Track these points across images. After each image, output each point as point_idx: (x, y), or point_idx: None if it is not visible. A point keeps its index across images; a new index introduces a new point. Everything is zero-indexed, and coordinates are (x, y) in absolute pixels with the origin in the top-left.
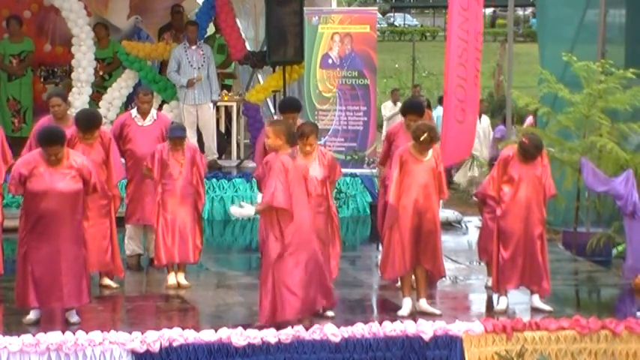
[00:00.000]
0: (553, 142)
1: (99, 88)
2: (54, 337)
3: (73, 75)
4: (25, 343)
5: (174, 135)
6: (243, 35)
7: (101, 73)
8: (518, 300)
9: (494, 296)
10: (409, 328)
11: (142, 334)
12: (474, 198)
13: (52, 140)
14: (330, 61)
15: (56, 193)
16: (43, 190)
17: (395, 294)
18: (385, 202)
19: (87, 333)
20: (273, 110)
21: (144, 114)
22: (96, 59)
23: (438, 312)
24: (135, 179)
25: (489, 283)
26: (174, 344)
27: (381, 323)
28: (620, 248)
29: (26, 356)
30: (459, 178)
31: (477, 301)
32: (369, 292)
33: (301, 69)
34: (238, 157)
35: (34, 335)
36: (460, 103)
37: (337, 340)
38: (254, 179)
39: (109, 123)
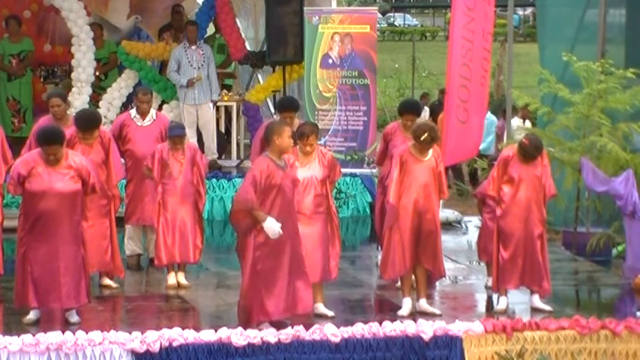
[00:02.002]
0: (553, 142)
1: (95, 88)
2: (54, 337)
3: (72, 75)
4: (25, 343)
5: (174, 134)
6: (243, 35)
7: (97, 73)
8: (518, 300)
9: (494, 296)
10: (409, 328)
11: (142, 334)
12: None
13: (50, 140)
14: (330, 61)
15: (55, 193)
16: (41, 190)
17: (395, 294)
18: (383, 202)
19: (87, 333)
20: (273, 110)
21: (143, 114)
22: None
23: (438, 312)
24: (134, 179)
25: (489, 283)
26: (174, 344)
27: (381, 323)
28: (620, 248)
29: (26, 356)
30: None
31: (477, 301)
32: (369, 292)
33: (301, 69)
34: (238, 157)
35: (34, 335)
36: (463, 103)
37: (337, 340)
38: None
39: (108, 123)
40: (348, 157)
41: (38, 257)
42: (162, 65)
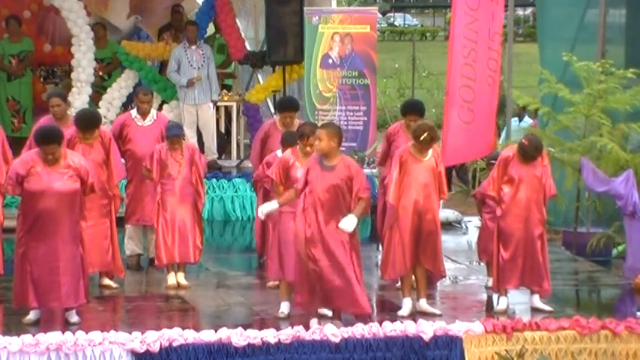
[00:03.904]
0: (553, 142)
1: (98, 88)
2: (54, 337)
3: (72, 75)
4: (25, 343)
5: (172, 134)
6: (243, 35)
7: (100, 73)
8: (518, 300)
9: (494, 296)
10: (409, 328)
11: (142, 334)
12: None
13: (48, 139)
14: (330, 61)
15: (53, 192)
16: (40, 190)
17: (395, 294)
18: (384, 203)
19: (87, 333)
20: (273, 110)
21: (144, 114)
22: (95, 59)
23: (438, 312)
24: (135, 179)
25: (489, 283)
26: (174, 344)
27: (381, 323)
28: (620, 248)
29: (26, 356)
30: None
31: (477, 301)
32: (369, 292)
33: (301, 69)
34: (238, 157)
35: (33, 335)
36: (467, 103)
37: (337, 340)
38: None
39: (108, 123)
40: None
41: (37, 257)
42: (162, 65)
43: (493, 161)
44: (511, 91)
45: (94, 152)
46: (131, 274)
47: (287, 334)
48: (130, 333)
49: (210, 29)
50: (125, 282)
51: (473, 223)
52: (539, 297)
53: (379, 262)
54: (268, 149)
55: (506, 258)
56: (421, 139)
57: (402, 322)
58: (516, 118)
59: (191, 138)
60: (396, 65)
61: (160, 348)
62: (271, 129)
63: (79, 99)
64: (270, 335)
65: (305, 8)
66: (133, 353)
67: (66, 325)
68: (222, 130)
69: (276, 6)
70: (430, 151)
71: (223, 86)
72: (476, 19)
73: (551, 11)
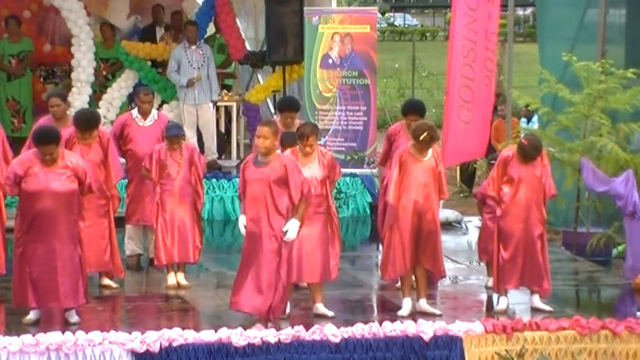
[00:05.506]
0: (553, 142)
1: (102, 88)
2: (54, 337)
3: (72, 75)
4: (25, 343)
5: (171, 134)
6: (243, 35)
7: (104, 73)
8: (518, 300)
9: (494, 296)
10: (409, 328)
11: (142, 334)
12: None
13: (46, 139)
14: (330, 61)
15: (51, 192)
16: (38, 190)
17: (395, 294)
18: (385, 203)
19: (87, 333)
20: (273, 110)
21: (145, 114)
22: (101, 59)
23: (438, 312)
24: (135, 179)
25: (489, 283)
26: (174, 344)
27: (381, 323)
28: (620, 248)
29: (26, 356)
30: None
31: (477, 301)
32: (369, 292)
33: (301, 69)
34: (238, 157)
35: (33, 335)
36: (466, 103)
37: (337, 340)
38: None
39: (108, 123)
40: (348, 157)
41: (35, 257)
42: (160, 65)
43: (493, 161)
44: (511, 91)
45: (93, 152)
46: (131, 274)
47: (287, 334)
48: (130, 333)
49: (210, 29)
50: (125, 282)
51: (473, 223)
52: (539, 297)
53: (379, 262)
54: None
55: (506, 258)
56: (421, 138)
57: (402, 322)
58: (525, 120)
59: (191, 138)
60: (396, 65)
61: (160, 348)
62: None
63: (79, 99)
64: (270, 335)
65: (305, 8)
66: (133, 353)
67: (66, 325)
68: (222, 130)
69: (276, 6)
70: (430, 151)
71: (223, 86)
72: (475, 19)
73: (551, 11)
